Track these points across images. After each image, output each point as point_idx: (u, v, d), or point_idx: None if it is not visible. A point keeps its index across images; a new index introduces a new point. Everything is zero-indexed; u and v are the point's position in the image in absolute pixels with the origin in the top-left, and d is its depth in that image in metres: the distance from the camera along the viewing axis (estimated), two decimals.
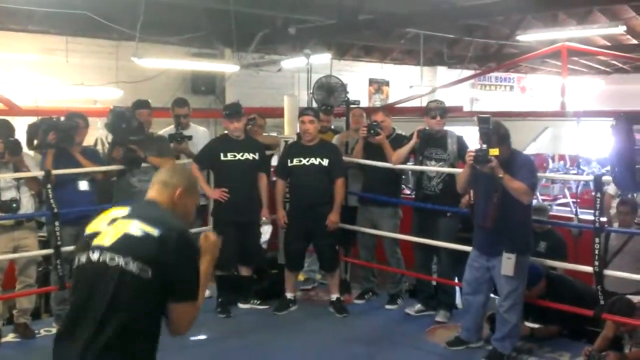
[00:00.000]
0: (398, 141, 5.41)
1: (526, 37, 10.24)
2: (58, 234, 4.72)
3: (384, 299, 5.61)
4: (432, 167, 5.13)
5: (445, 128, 5.19)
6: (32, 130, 5.02)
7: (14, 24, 8.44)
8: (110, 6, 7.99)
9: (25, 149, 5.01)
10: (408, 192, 6.29)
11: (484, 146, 4.05)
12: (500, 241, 4.20)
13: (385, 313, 5.42)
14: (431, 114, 5.08)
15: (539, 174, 5.12)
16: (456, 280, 5.18)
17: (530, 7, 7.90)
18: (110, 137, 5.59)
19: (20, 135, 5.06)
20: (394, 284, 5.60)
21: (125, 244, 2.20)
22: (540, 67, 15.02)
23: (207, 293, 5.76)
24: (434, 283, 5.37)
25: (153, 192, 2.45)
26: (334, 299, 5.42)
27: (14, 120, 5.33)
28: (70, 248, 4.77)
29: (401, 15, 9.19)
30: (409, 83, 13.09)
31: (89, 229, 2.34)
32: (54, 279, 4.88)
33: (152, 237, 2.20)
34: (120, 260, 2.17)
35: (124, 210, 2.36)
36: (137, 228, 2.22)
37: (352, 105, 6.32)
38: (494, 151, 4.01)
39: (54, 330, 4.79)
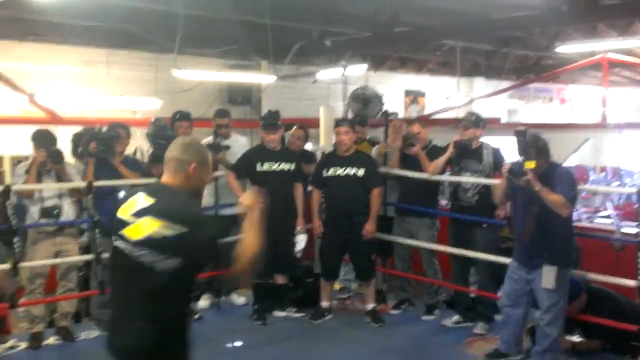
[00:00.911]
0: (434, 152, 5.40)
1: (565, 49, 10.09)
2: (98, 241, 4.82)
3: (420, 310, 5.57)
4: (467, 178, 5.10)
5: (482, 140, 5.17)
6: (77, 139, 5.15)
7: (57, 37, 8.67)
8: (150, 20, 8.16)
9: (68, 158, 5.14)
10: (445, 203, 6.25)
11: (520, 159, 4.03)
12: (540, 254, 4.14)
13: (422, 324, 5.38)
14: (459, 124, 5.14)
15: (580, 186, 5.03)
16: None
17: (569, 19, 7.78)
18: (149, 146, 5.69)
19: (63, 145, 5.19)
20: (431, 295, 5.56)
21: (153, 243, 2.42)
22: (581, 78, 14.78)
23: (243, 300, 5.83)
24: (473, 294, 5.31)
25: (167, 172, 2.60)
26: (370, 309, 5.39)
27: (58, 130, 5.48)
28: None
29: (437, 27, 9.14)
30: (446, 94, 13.01)
31: (120, 213, 2.55)
32: (94, 283, 4.97)
33: (178, 235, 2.40)
34: (146, 257, 2.42)
35: (149, 199, 2.51)
36: (162, 228, 2.41)
37: (390, 117, 6.31)
38: (530, 164, 3.98)
39: (94, 334, 4.89)
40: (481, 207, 5.04)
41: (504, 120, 13.06)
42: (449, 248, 5.22)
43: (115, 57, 9.19)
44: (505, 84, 12.79)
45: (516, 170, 4.04)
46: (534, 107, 15.21)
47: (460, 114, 10.68)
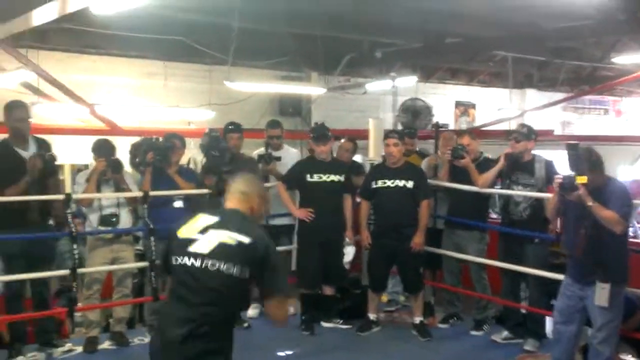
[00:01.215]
0: (485, 165, 5.36)
1: (621, 60, 9.84)
2: (153, 248, 4.95)
3: (469, 325, 5.52)
4: (519, 192, 5.03)
5: (534, 152, 5.10)
6: (135, 149, 5.33)
7: (116, 50, 8.98)
8: (205, 33, 8.36)
9: (127, 167, 5.33)
10: (495, 216, 6.18)
11: (572, 173, 3.97)
12: (593, 270, 4.05)
13: (471, 339, 5.32)
14: (510, 137, 5.08)
15: (636, 201, 4.90)
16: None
17: (625, 28, 7.59)
18: (202, 157, 5.83)
19: (122, 154, 5.39)
20: (480, 310, 5.49)
21: (223, 252, 2.70)
22: (637, 90, 14.36)
23: (291, 310, 5.88)
24: (523, 310, 5.23)
25: (234, 202, 2.91)
26: (417, 322, 5.37)
27: (117, 140, 5.68)
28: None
29: (489, 39, 9.07)
30: (497, 106, 12.84)
31: (182, 234, 2.77)
32: (149, 290, 5.12)
33: (244, 245, 2.71)
34: (220, 265, 2.68)
35: (213, 217, 2.81)
36: (229, 238, 2.71)
37: (441, 129, 6.29)
38: (582, 179, 3.90)
39: (147, 340, 5.02)
40: (533, 222, 4.97)
41: (557, 132, 12.78)
42: (499, 263, 5.16)
43: (172, 69, 9.44)
44: (558, 95, 12.55)
45: (567, 184, 3.97)
46: (589, 120, 14.84)
47: (512, 126, 10.53)
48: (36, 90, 7.85)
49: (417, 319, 5.38)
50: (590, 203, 3.89)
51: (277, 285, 2.78)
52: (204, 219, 2.81)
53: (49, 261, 4.91)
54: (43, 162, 4.62)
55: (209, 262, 2.68)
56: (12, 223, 4.66)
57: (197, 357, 2.65)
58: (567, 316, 4.23)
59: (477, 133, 7.24)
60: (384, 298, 5.98)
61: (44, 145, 4.86)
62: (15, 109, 4.79)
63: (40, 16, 5.31)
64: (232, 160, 5.36)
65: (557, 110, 13.34)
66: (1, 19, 6.00)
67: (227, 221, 2.79)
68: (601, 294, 3.99)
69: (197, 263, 2.69)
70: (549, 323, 5.01)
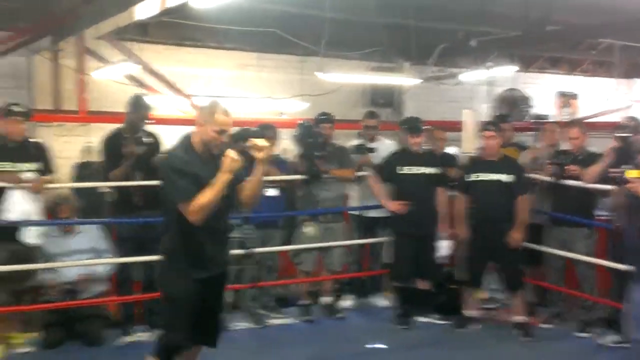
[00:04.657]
0: (589, 160, 5.09)
1: None
2: (249, 237, 5.07)
3: (573, 326, 5.25)
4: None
5: None
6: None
7: (213, 42, 9.19)
8: (298, 24, 8.40)
9: None
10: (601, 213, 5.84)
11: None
12: None
13: (576, 341, 5.07)
14: (617, 131, 4.87)
15: None
16: None
17: None
18: (293, 147, 5.89)
19: None
20: (587, 311, 5.22)
21: None
22: None
23: (386, 303, 5.83)
24: None
25: None
26: (518, 321, 5.17)
27: None
28: (260, 250, 5.15)
29: (594, 26, 8.58)
30: (601, 96, 12.15)
31: None
32: (248, 277, 5.22)
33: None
34: None
35: None
36: None
37: (542, 120, 6.02)
38: (633, 173, 3.63)
39: (243, 326, 5.17)
40: None
41: None
42: (609, 263, 4.88)
43: (265, 60, 9.56)
44: None
45: (619, 178, 3.73)
46: None
47: (618, 117, 9.96)
48: (139, 82, 8.16)
49: (518, 318, 5.18)
50: None
51: (171, 194, 3.19)
52: None
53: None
54: (138, 146, 4.85)
55: None
56: (122, 208, 4.99)
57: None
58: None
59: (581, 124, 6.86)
60: (483, 295, 5.79)
61: (152, 137, 5.09)
62: (140, 107, 5.11)
63: (142, 11, 5.52)
64: (324, 145, 5.38)
65: None
66: (107, 14, 6.28)
67: None
68: None
69: None
70: None
